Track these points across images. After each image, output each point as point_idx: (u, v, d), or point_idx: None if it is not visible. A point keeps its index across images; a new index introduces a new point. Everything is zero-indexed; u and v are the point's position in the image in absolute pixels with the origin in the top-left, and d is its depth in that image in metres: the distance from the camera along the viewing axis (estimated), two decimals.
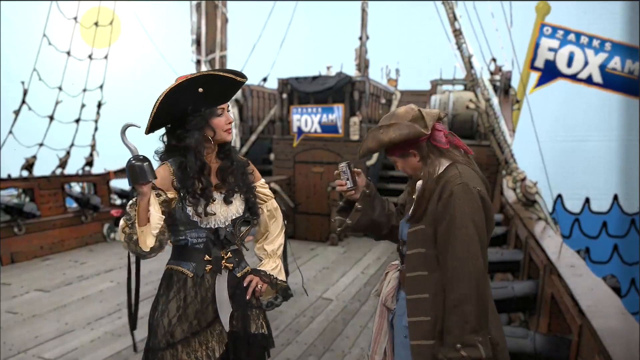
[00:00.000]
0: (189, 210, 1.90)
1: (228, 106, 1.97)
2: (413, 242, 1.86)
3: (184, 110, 1.86)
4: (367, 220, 2.02)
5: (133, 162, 1.71)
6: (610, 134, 10.67)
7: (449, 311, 1.73)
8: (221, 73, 1.87)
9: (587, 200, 11.18)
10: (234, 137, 8.73)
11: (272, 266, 2.14)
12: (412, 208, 1.89)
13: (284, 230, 2.21)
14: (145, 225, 1.78)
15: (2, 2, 8.62)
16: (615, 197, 10.95)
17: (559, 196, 10.78)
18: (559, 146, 10.37)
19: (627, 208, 10.86)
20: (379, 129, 1.88)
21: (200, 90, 1.84)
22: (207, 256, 1.96)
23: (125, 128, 1.75)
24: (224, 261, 1.98)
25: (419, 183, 1.88)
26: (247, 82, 2.07)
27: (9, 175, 6.74)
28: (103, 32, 8.27)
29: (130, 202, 1.79)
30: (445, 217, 1.76)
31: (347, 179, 1.99)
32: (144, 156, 1.74)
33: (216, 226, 1.97)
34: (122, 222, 1.79)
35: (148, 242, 1.78)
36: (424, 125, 1.82)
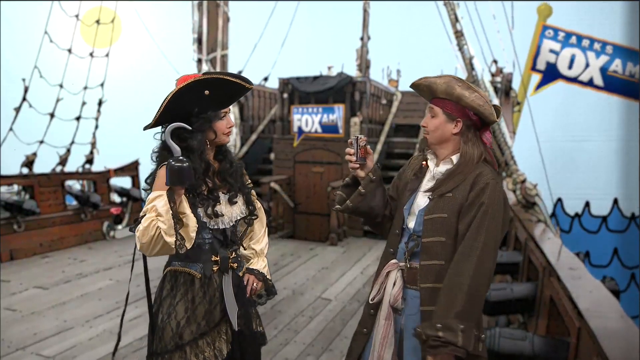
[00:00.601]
0: (199, 211, 1.91)
1: (229, 109, 1.98)
2: (432, 230, 1.83)
3: (188, 111, 1.86)
4: (366, 207, 1.98)
5: (173, 163, 1.71)
6: (610, 135, 10.66)
7: (442, 292, 1.73)
8: (231, 78, 1.87)
9: (587, 204, 11.17)
10: (235, 137, 8.73)
11: (262, 265, 2.17)
12: (438, 180, 1.87)
13: (266, 230, 2.24)
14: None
15: (2, 1, 8.62)
16: (615, 201, 10.95)
17: (559, 200, 10.78)
18: (559, 146, 10.37)
19: (627, 211, 10.86)
20: (457, 80, 1.85)
21: (207, 92, 1.84)
22: (214, 256, 1.97)
23: (171, 129, 1.76)
24: (230, 261, 1.99)
25: (435, 168, 1.90)
26: None
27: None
28: (104, 32, 8.27)
29: (161, 205, 1.75)
30: (476, 205, 1.77)
31: (354, 153, 1.93)
32: (184, 158, 1.74)
33: (223, 227, 1.98)
34: (146, 223, 1.74)
35: (188, 244, 1.79)
36: (497, 115, 1.85)
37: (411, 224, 1.90)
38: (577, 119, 10.82)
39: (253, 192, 2.16)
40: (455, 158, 1.88)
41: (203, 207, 1.91)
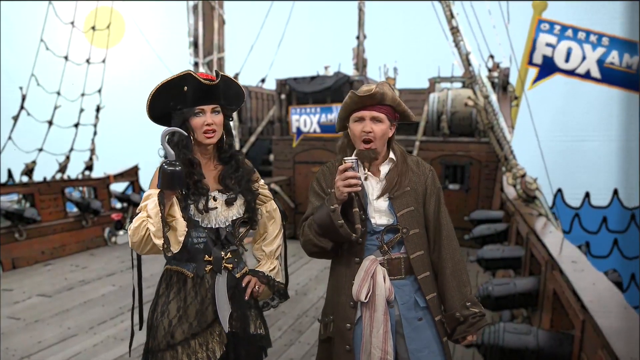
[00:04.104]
0: (191, 209, 1.91)
1: (209, 107, 1.92)
2: (409, 224, 1.93)
3: (170, 107, 1.91)
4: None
5: (165, 166, 1.73)
6: (610, 134, 10.62)
7: (450, 277, 1.94)
8: (197, 76, 1.88)
9: (587, 195, 11.14)
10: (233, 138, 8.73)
11: (270, 267, 2.13)
12: (393, 182, 1.94)
13: (282, 232, 2.21)
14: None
15: (1, 2, 8.58)
16: (616, 192, 10.91)
17: (559, 190, 10.74)
18: (558, 146, 10.32)
19: (627, 203, 10.81)
20: (392, 87, 1.97)
21: (185, 89, 1.87)
22: (207, 256, 1.96)
23: (166, 133, 1.78)
24: (224, 261, 1.98)
25: (383, 167, 1.98)
26: (245, 84, 2.07)
27: (10, 171, 6.73)
28: (106, 33, 8.26)
29: (151, 207, 1.76)
30: (435, 190, 2.00)
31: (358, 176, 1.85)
32: (177, 162, 1.76)
33: (217, 226, 1.97)
34: (137, 223, 1.76)
35: (174, 247, 1.81)
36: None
37: (382, 220, 1.94)
38: (576, 116, 10.77)
39: (268, 193, 2.16)
40: (392, 156, 2.00)
41: (193, 203, 1.91)
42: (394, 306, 1.93)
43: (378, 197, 1.94)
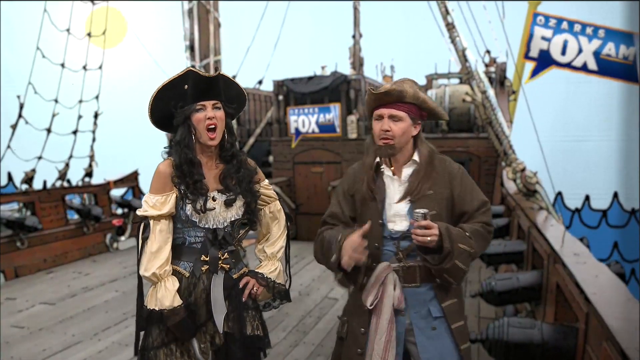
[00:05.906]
0: (188, 209, 1.91)
1: (210, 103, 1.93)
2: None
3: (173, 107, 1.93)
4: None
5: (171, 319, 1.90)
6: (610, 133, 10.59)
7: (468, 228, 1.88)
8: (197, 71, 1.91)
9: (587, 198, 11.13)
10: None
11: (271, 269, 2.11)
12: (414, 185, 1.88)
13: (286, 233, 2.19)
14: None
15: (1, 3, 8.56)
16: (615, 195, 10.90)
17: (559, 194, 10.73)
18: (558, 146, 10.29)
19: (627, 205, 10.78)
20: (416, 84, 1.89)
21: (186, 87, 1.89)
22: (204, 256, 1.97)
23: None
24: (220, 262, 1.98)
25: (403, 173, 1.93)
26: (243, 86, 2.08)
27: (10, 174, 6.72)
28: (110, 32, 8.25)
29: (167, 301, 1.89)
30: (467, 187, 1.92)
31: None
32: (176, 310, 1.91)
33: (215, 226, 1.97)
34: (152, 289, 1.95)
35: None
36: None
37: (400, 226, 1.89)
38: (576, 116, 10.73)
39: (273, 193, 2.16)
40: (416, 158, 1.93)
41: (192, 203, 1.91)
42: (405, 314, 1.89)
43: (399, 201, 1.90)
